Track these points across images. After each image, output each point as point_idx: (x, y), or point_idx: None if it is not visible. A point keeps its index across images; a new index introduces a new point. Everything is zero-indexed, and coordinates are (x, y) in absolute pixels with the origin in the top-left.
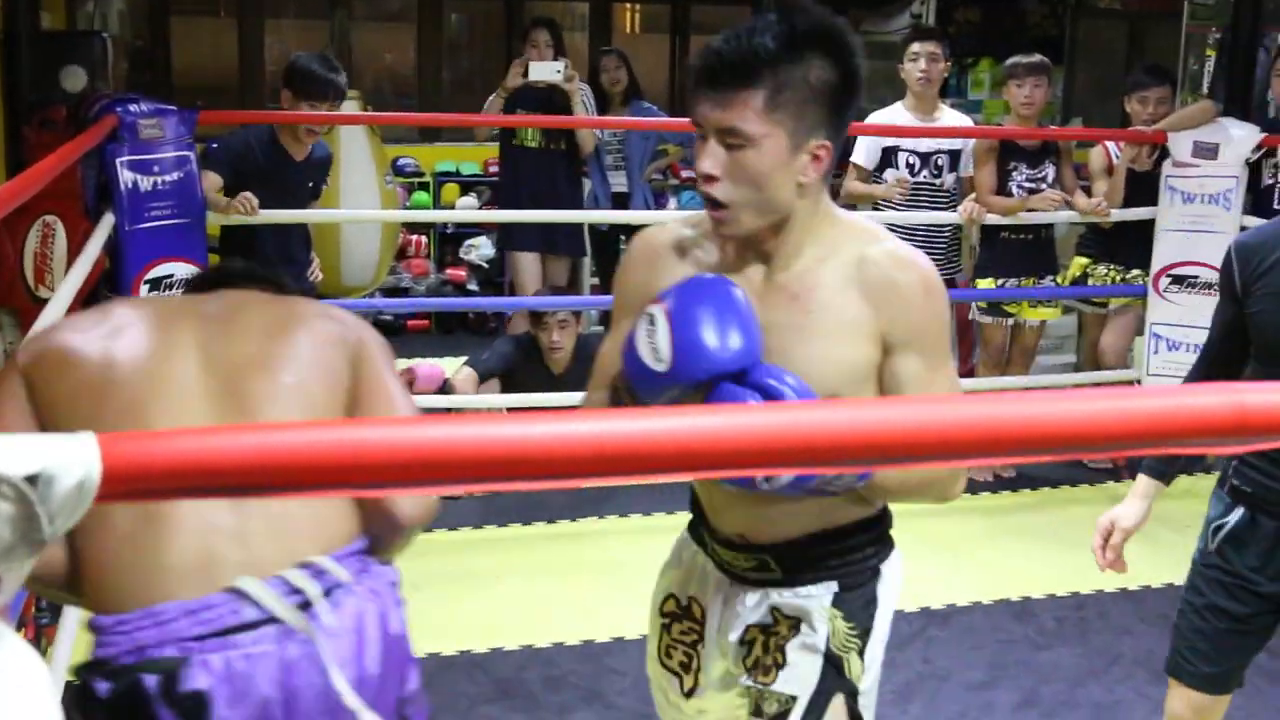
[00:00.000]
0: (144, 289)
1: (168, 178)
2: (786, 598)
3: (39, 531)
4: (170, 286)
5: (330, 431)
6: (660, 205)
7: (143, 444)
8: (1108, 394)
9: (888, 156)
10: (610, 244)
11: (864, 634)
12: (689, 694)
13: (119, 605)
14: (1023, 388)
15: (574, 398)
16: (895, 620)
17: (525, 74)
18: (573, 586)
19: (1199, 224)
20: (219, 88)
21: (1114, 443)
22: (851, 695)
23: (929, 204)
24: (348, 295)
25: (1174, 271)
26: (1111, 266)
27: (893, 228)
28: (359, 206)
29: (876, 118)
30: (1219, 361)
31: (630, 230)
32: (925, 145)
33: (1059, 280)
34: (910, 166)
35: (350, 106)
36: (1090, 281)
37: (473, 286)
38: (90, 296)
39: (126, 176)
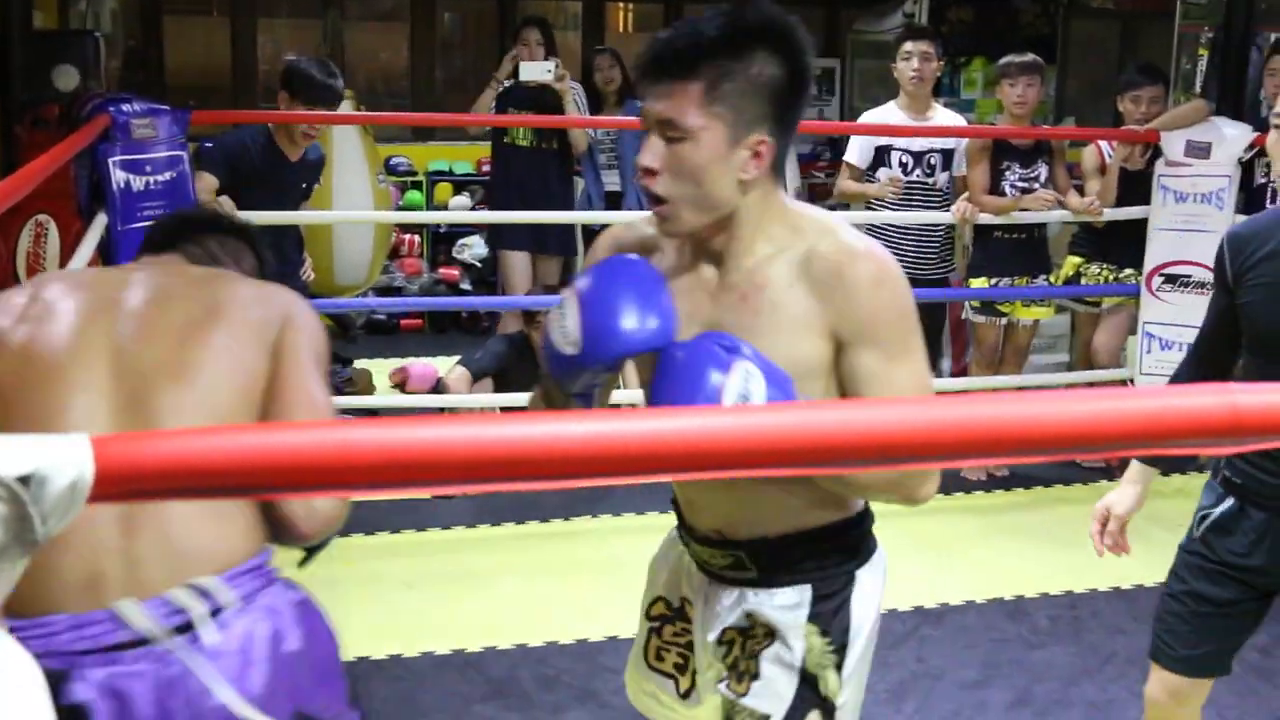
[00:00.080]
0: None
1: (160, 177)
2: (763, 601)
3: (32, 532)
4: None
5: (323, 433)
6: None
7: (135, 445)
8: (1101, 394)
9: (881, 155)
10: None
11: (840, 649)
12: (685, 695)
13: (17, 611)
14: (1016, 387)
15: None
16: (888, 619)
17: (516, 72)
18: (567, 586)
19: (1191, 223)
20: (212, 87)
21: (1107, 443)
22: (828, 712)
23: (922, 203)
24: (341, 295)
25: (1167, 271)
26: (1104, 266)
27: (886, 226)
28: (352, 206)
29: (869, 117)
30: (1211, 351)
31: None
32: (918, 144)
33: (1052, 279)
34: (903, 165)
35: (344, 106)
36: (1083, 281)
37: (466, 286)
38: None
39: (119, 176)
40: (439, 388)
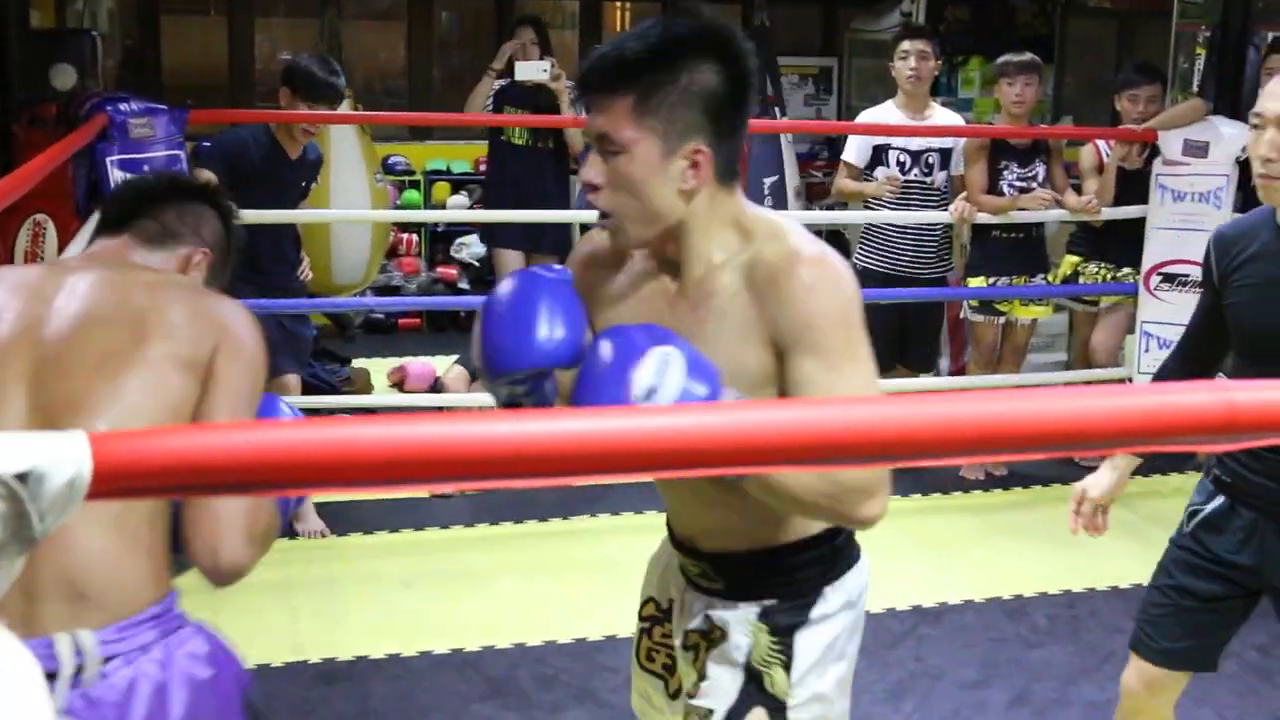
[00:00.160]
0: None
1: None
2: (725, 612)
3: (30, 530)
4: None
5: (322, 430)
6: None
7: (133, 442)
8: (1099, 392)
9: (878, 154)
10: None
11: (787, 648)
12: (674, 696)
13: None
14: (1014, 386)
15: None
16: (887, 618)
17: (512, 71)
18: (565, 585)
19: (1189, 222)
20: (209, 86)
21: (1105, 441)
22: (776, 710)
23: (920, 202)
24: (338, 294)
25: (1164, 270)
26: (1102, 265)
27: (884, 225)
28: (349, 205)
29: (867, 116)
30: (1197, 348)
31: None
32: (916, 143)
33: (1050, 279)
34: (901, 165)
35: (341, 105)
36: (1081, 280)
37: (464, 285)
38: None
39: (117, 175)
40: (437, 387)
